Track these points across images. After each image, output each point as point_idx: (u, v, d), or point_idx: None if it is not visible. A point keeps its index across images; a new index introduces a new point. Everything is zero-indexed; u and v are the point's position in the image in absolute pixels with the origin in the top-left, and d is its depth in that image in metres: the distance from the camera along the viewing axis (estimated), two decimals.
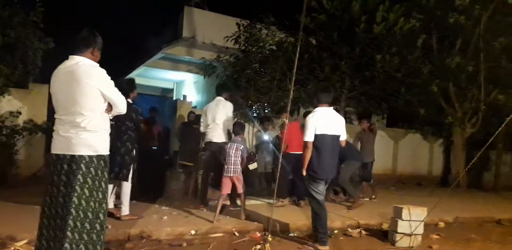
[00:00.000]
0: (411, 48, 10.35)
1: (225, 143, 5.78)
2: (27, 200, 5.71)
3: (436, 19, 10.65)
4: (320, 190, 4.33)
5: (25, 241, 3.77)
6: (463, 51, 10.78)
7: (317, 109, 4.46)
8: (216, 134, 5.87)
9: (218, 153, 5.83)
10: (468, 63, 10.45)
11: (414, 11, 10.29)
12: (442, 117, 12.00)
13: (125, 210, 4.90)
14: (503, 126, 4.64)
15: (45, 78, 8.15)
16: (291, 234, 4.94)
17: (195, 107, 12.12)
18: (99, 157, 2.75)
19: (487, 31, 10.32)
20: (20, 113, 7.87)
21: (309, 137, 4.30)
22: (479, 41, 10.42)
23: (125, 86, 5.10)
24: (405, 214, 4.60)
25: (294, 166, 6.05)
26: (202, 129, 6.18)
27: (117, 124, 4.77)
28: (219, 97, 6.07)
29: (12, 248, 3.65)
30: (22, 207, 5.29)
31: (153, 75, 15.44)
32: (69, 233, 2.56)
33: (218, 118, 5.87)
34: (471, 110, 11.49)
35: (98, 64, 2.84)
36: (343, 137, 4.53)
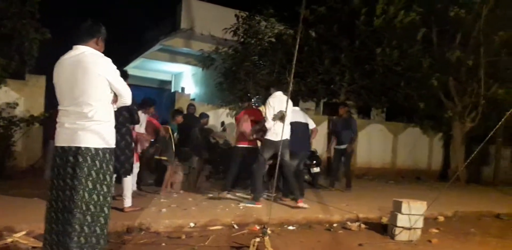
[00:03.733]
0: (411, 41, 10.29)
1: None
2: (25, 192, 5.69)
3: (436, 12, 10.57)
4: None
5: (23, 233, 3.73)
6: (464, 45, 10.71)
7: None
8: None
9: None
10: (468, 57, 10.39)
11: (414, 4, 10.21)
12: (441, 111, 11.98)
13: (128, 201, 4.87)
14: (503, 120, 4.60)
15: (41, 69, 8.08)
16: (290, 227, 4.92)
17: (193, 99, 12.05)
18: (105, 150, 2.70)
19: (488, 25, 10.25)
20: (17, 104, 7.81)
21: None
22: (479, 35, 10.35)
23: None
24: (404, 208, 4.56)
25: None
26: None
27: (115, 114, 4.65)
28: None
29: (11, 239, 3.61)
30: (20, 199, 5.25)
31: (151, 67, 15.34)
32: (77, 227, 2.56)
33: None
34: (470, 105, 11.45)
35: (103, 54, 2.79)
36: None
